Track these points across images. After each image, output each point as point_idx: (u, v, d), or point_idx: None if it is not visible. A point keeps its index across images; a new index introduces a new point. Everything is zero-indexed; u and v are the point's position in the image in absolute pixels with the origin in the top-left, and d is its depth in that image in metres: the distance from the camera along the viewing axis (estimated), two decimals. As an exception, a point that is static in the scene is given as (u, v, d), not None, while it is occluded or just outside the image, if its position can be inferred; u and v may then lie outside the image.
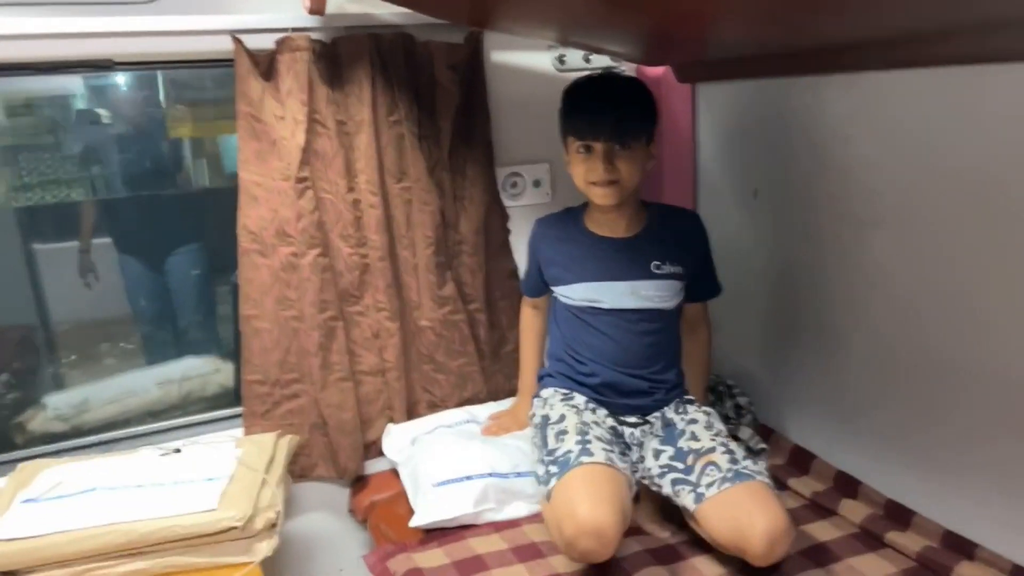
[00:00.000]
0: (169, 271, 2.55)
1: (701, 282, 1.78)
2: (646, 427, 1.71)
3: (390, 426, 2.01)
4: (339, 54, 1.81)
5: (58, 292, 2.79)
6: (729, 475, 1.47)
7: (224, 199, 1.88)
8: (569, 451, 1.53)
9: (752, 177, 1.98)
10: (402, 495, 1.86)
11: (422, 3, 1.72)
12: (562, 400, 1.72)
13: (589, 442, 1.54)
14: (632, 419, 1.72)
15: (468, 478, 1.74)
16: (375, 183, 1.88)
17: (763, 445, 1.92)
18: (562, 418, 1.65)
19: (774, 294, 1.98)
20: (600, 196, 1.63)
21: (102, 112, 2.41)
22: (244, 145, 1.79)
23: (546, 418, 1.69)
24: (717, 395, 2.03)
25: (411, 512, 1.76)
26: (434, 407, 2.07)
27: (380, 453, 2.01)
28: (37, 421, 2.00)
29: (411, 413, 2.05)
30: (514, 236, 2.12)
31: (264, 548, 1.53)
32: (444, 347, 2.03)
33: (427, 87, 1.91)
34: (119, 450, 1.84)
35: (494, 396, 2.11)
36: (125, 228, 2.55)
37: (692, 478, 1.52)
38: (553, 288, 1.79)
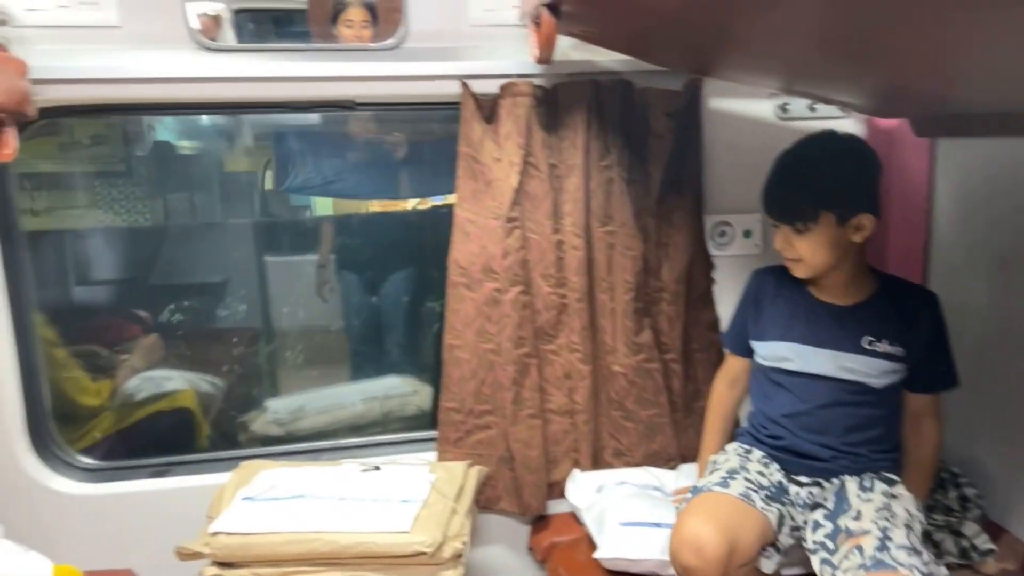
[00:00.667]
0: (383, 293, 2.72)
1: (928, 370, 1.60)
2: (816, 490, 1.60)
3: (576, 472, 2.00)
4: (558, 99, 1.85)
5: (281, 302, 3.09)
6: (869, 563, 1.34)
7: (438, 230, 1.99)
8: (708, 482, 1.54)
9: (998, 245, 1.77)
10: (583, 540, 1.85)
11: (646, 51, 1.73)
12: (737, 452, 1.68)
13: (733, 478, 1.53)
14: (803, 479, 1.62)
15: (657, 525, 1.71)
16: (580, 225, 1.90)
17: (990, 545, 1.70)
18: (725, 460, 1.64)
19: (1015, 376, 1.75)
20: (791, 269, 1.61)
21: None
22: (462, 184, 1.88)
23: (713, 462, 1.68)
24: (939, 483, 1.83)
25: (592, 558, 1.75)
26: (620, 455, 2.04)
27: (562, 495, 2.00)
28: (258, 423, 2.20)
29: (596, 458, 2.03)
30: (719, 287, 2.04)
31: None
32: (635, 395, 1.99)
33: (641, 133, 1.91)
34: (324, 459, 1.97)
35: (683, 453, 2.03)
36: (351, 247, 2.77)
37: (835, 560, 1.41)
38: (752, 342, 1.71)
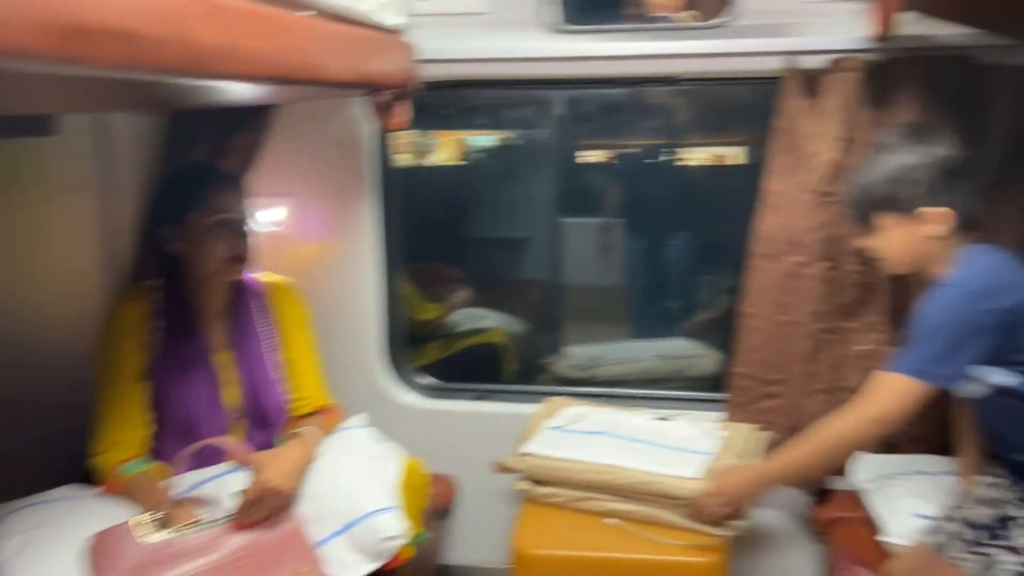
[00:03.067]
0: (671, 259, 2.85)
1: None
2: None
3: (864, 454, 1.98)
4: (887, 75, 1.80)
5: (575, 260, 3.33)
6: None
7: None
8: None
9: None
10: (866, 520, 1.84)
11: (997, 21, 1.62)
12: None
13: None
14: None
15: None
16: (897, 204, 1.84)
17: None
18: None
19: None
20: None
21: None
22: (776, 158, 1.92)
23: None
24: None
25: (874, 539, 1.75)
26: (915, 442, 1.97)
27: (842, 472, 2.00)
28: (559, 366, 2.46)
29: (889, 442, 1.99)
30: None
31: (733, 527, 1.67)
32: (939, 385, 1.91)
33: (979, 112, 1.79)
34: (618, 404, 2.16)
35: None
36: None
37: None
38: None
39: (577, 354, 2.47)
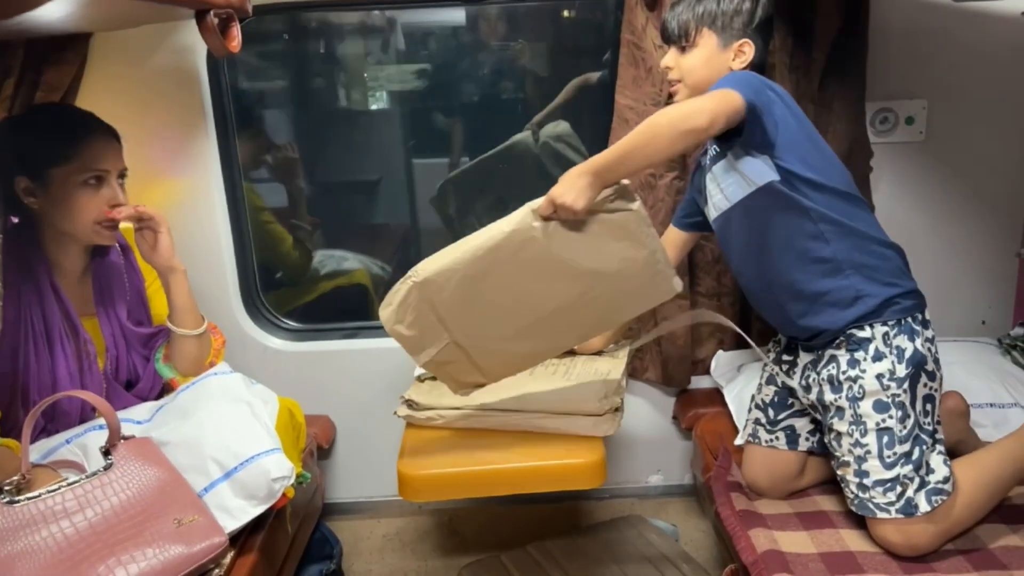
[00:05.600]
0: None
1: None
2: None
3: (720, 352, 2.12)
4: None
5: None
6: (854, 506, 1.50)
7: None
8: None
9: None
10: (724, 414, 1.99)
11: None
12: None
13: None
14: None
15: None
16: (738, 112, 1.94)
17: None
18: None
19: None
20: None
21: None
22: (623, 71, 1.96)
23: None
24: None
25: (734, 430, 1.90)
26: (764, 336, 2.13)
27: (707, 372, 2.13)
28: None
29: (741, 340, 2.14)
30: (875, 174, 2.05)
31: (608, 427, 1.74)
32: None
33: (808, 17, 1.90)
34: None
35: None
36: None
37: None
38: None
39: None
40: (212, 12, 1.53)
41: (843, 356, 1.54)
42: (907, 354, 1.48)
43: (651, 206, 2.02)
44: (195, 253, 2.03)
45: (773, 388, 1.78)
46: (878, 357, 1.49)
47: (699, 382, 2.19)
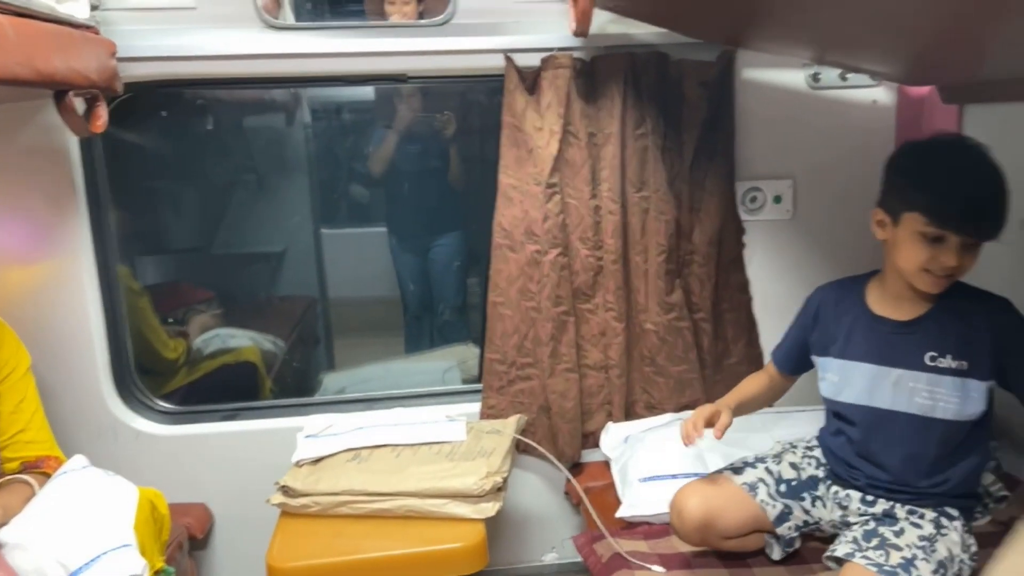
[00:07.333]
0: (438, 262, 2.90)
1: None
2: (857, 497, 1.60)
3: (609, 424, 2.13)
4: (596, 71, 1.96)
5: (336, 272, 3.27)
6: (886, 572, 1.40)
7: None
8: (728, 463, 1.69)
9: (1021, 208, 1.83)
10: (613, 486, 1.99)
11: (680, 23, 1.82)
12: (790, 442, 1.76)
13: (753, 467, 1.67)
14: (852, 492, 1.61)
15: (674, 476, 1.82)
16: (616, 191, 2.01)
17: (1004, 492, 1.79)
18: (772, 448, 1.74)
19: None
20: (932, 285, 1.46)
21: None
22: (505, 152, 2.00)
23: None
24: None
25: (619, 503, 1.89)
26: (652, 408, 2.16)
27: (596, 444, 2.14)
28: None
29: (629, 411, 2.16)
30: (749, 250, 2.14)
31: (489, 509, 1.71)
32: (666, 351, 2.11)
33: (675, 103, 2.01)
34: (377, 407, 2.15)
35: (712, 405, 2.15)
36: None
37: (861, 546, 1.48)
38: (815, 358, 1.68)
39: (328, 383, 2.42)
40: (72, 93, 1.50)
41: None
42: None
43: (536, 280, 2.04)
44: (63, 335, 1.94)
45: (794, 472, 1.68)
46: None
47: (591, 455, 2.18)
